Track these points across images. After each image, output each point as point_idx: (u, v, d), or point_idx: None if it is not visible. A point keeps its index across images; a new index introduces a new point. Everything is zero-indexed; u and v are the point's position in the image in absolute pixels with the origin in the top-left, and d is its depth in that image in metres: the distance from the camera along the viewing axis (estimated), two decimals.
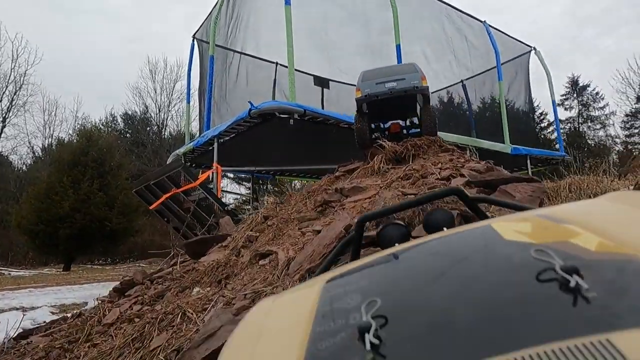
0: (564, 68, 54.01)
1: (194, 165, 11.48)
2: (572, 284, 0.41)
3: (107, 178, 17.57)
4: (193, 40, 11.93)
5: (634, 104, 29.81)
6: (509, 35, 12.26)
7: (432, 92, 14.37)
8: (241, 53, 11.10)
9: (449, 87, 13.72)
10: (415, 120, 6.68)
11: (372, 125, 6.50)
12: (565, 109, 32.32)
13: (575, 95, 32.94)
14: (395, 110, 6.48)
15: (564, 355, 0.34)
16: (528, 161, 11.07)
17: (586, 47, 49.42)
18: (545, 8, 55.85)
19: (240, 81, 11.17)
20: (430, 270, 0.59)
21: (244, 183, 26.69)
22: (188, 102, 12.15)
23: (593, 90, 32.59)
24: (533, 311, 0.41)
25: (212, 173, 8.44)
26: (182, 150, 9.97)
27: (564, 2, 55.76)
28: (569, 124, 32.55)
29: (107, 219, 16.45)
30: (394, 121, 6.59)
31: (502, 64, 11.24)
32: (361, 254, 1.08)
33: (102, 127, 30.38)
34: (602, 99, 32.32)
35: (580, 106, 33.12)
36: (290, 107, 7.47)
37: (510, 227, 0.63)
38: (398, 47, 9.17)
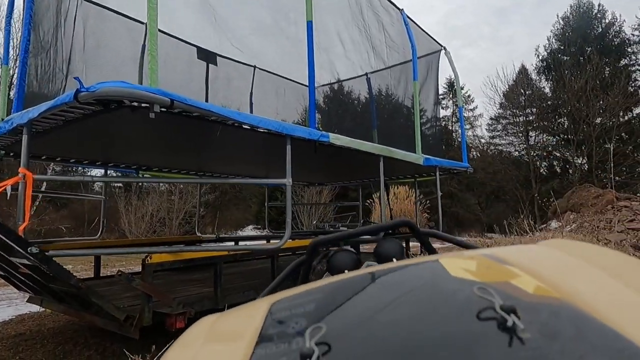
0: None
1: (11, 154, 7.61)
2: (509, 323, 0.41)
3: None
4: None
5: (498, 109, 32.26)
6: (422, 30, 10.63)
7: (337, 82, 12.35)
8: (92, 2, 7.43)
9: (349, 79, 11.75)
10: None
11: None
12: (443, 107, 33.66)
13: (451, 96, 34.52)
14: None
15: None
16: (437, 172, 9.73)
17: (453, 55, 55.00)
18: (423, 16, 60.25)
19: (90, 43, 7.49)
20: (377, 300, 0.56)
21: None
22: (6, 63, 7.94)
23: (466, 92, 34.53)
24: (470, 347, 0.41)
25: (20, 183, 5.02)
26: None
27: (437, 14, 60.70)
28: (444, 122, 34.03)
29: None
30: None
31: (417, 58, 9.58)
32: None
33: None
34: (473, 101, 34.52)
35: (454, 106, 34.90)
36: (149, 93, 4.48)
37: (456, 263, 0.61)
38: (310, 24, 6.69)
